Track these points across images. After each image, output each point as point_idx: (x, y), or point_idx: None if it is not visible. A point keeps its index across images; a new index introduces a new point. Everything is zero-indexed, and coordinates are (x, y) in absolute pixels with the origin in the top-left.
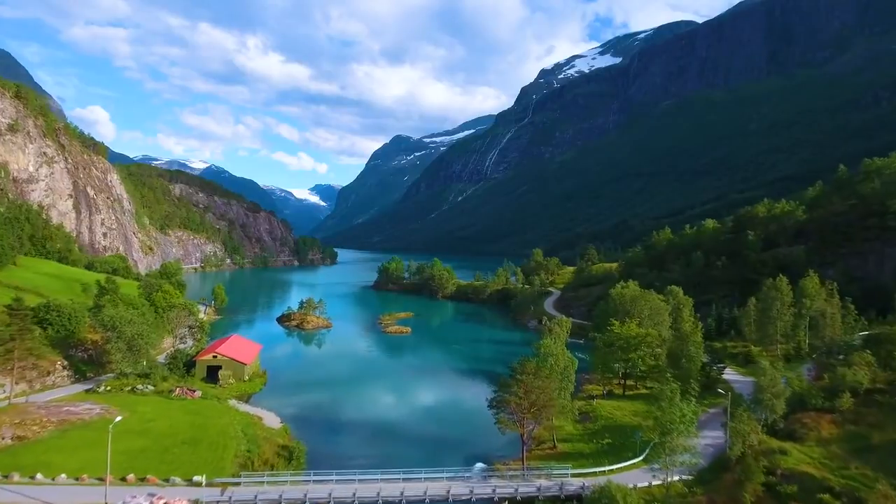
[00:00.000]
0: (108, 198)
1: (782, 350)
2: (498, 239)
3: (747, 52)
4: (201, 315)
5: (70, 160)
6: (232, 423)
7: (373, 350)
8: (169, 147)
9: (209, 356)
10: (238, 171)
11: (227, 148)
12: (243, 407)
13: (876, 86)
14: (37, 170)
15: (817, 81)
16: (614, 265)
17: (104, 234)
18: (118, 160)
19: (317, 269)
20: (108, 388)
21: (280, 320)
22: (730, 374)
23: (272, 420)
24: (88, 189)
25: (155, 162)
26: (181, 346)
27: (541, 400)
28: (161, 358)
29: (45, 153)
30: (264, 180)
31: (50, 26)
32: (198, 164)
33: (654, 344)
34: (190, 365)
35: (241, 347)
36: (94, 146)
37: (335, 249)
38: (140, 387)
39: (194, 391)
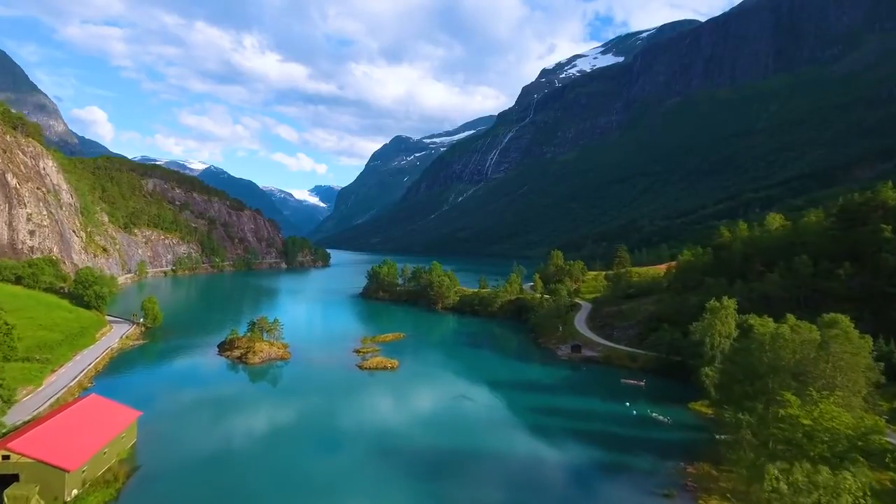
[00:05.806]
0: (38, 188)
1: None
2: (500, 240)
3: (753, 50)
4: (112, 342)
5: None
6: None
7: (332, 407)
8: (168, 148)
9: None
10: (237, 171)
11: (226, 148)
12: None
13: (890, 83)
14: None
15: (827, 79)
16: (661, 270)
17: (31, 233)
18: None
19: (306, 272)
20: None
21: (221, 348)
22: None
23: None
24: (9, 177)
25: (153, 162)
26: None
27: None
28: None
29: None
30: (263, 181)
31: (46, 25)
32: (197, 165)
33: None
34: None
35: (80, 429)
36: (21, 126)
37: (331, 251)
38: None
39: None
